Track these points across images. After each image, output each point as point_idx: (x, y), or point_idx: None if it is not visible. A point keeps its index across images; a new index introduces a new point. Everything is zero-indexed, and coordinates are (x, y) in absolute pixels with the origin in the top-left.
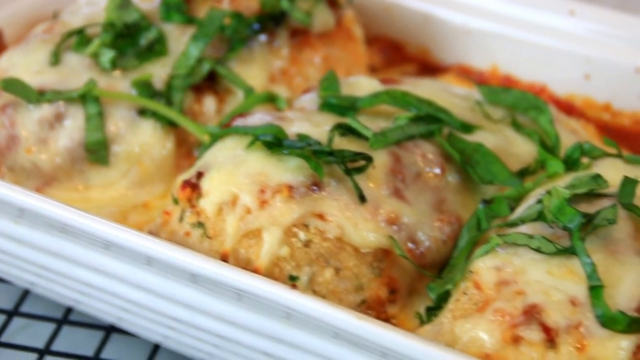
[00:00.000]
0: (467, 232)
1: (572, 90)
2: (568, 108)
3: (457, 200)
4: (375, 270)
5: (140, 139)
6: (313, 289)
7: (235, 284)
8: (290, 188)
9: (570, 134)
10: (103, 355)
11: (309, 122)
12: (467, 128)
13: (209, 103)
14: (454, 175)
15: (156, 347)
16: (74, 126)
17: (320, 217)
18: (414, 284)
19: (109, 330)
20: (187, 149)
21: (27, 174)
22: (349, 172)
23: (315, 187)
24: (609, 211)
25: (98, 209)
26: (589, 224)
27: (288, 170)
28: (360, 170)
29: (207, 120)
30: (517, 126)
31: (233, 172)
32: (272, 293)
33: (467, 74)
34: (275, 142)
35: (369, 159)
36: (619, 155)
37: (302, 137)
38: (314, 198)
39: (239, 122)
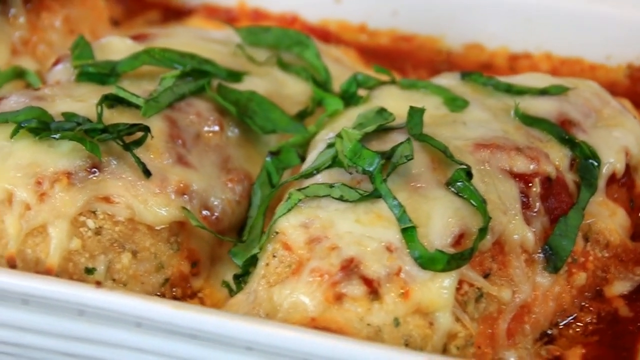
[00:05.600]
0: (260, 189)
1: (324, 16)
2: (324, 35)
3: (241, 155)
4: (174, 245)
5: None
6: (112, 278)
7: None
8: (68, 175)
9: (335, 63)
10: None
11: (71, 98)
12: (235, 76)
13: None
14: (233, 129)
15: None
16: None
17: (107, 200)
18: (215, 252)
19: None
20: None
21: None
22: (127, 147)
23: (95, 170)
24: (405, 147)
25: None
26: (387, 163)
27: (62, 155)
28: (138, 143)
29: None
30: (283, 66)
31: (1, 167)
32: (61, 293)
33: (214, 14)
34: (41, 127)
35: (146, 129)
36: (393, 82)
37: (68, 116)
38: (95, 181)
39: None
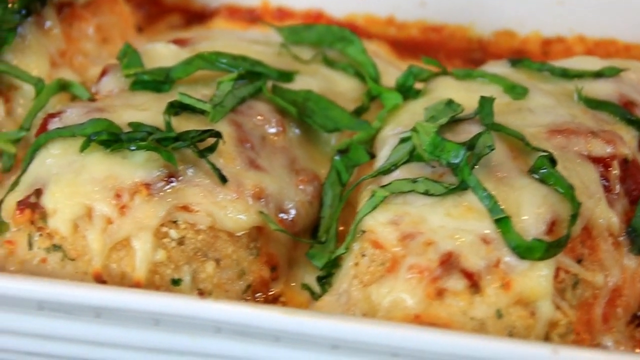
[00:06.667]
0: (330, 188)
1: (350, 10)
2: (351, 30)
3: (305, 155)
4: (253, 251)
5: None
6: (198, 288)
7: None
8: (147, 186)
9: (374, 57)
10: None
11: (133, 107)
12: (286, 76)
13: None
14: (294, 129)
15: None
16: None
17: (186, 209)
18: (291, 255)
19: None
20: None
21: None
22: (202, 154)
23: (172, 179)
24: (486, 137)
25: None
26: (471, 154)
27: (138, 166)
28: (211, 149)
29: None
30: (329, 63)
31: (75, 181)
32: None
33: (237, 14)
34: (112, 139)
35: (217, 135)
36: (445, 73)
37: (136, 126)
38: (174, 190)
39: (55, 124)
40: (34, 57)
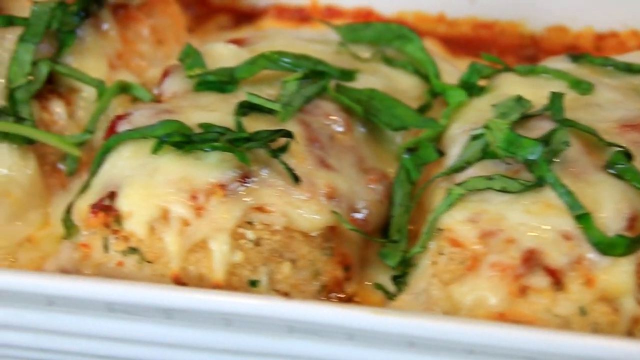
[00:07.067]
0: (400, 187)
1: (400, 8)
2: None
3: (371, 154)
4: (327, 251)
5: (0, 168)
6: (275, 289)
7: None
8: (222, 186)
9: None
10: None
11: (201, 108)
12: (348, 75)
13: (58, 108)
14: (359, 128)
15: None
16: None
17: (261, 209)
18: (363, 255)
19: None
20: (50, 165)
21: None
22: (275, 153)
23: (246, 179)
24: (561, 133)
25: None
26: (548, 151)
27: (212, 167)
28: (283, 149)
29: (61, 128)
30: (388, 61)
31: (150, 183)
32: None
33: (285, 13)
34: (184, 140)
35: (288, 135)
36: (507, 69)
37: (206, 127)
38: (248, 191)
39: (124, 126)
40: (92, 59)
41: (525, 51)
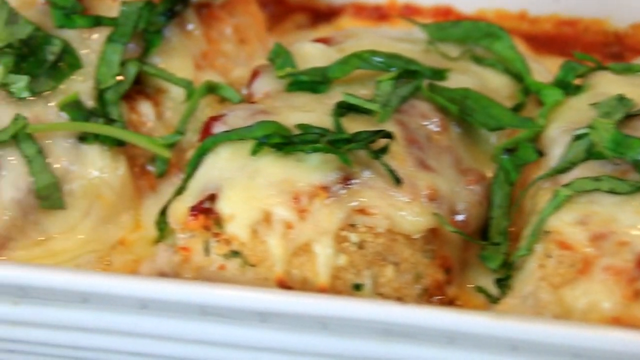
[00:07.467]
0: (499, 188)
1: (480, 5)
2: None
3: (468, 155)
4: (428, 253)
5: (92, 169)
6: (378, 292)
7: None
8: (325, 189)
9: None
10: None
11: (297, 109)
12: (439, 74)
13: (146, 109)
14: (454, 129)
15: None
16: (15, 174)
17: (363, 212)
18: (463, 257)
19: None
20: (139, 167)
21: None
22: (376, 155)
23: (348, 181)
24: None
25: (73, 261)
26: None
27: (314, 169)
28: (383, 150)
29: (149, 129)
30: (477, 60)
31: (251, 185)
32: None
33: (363, 12)
34: (284, 142)
35: (388, 135)
36: (601, 67)
37: (305, 128)
38: (350, 193)
39: (220, 127)
40: (179, 59)
41: (610, 49)
